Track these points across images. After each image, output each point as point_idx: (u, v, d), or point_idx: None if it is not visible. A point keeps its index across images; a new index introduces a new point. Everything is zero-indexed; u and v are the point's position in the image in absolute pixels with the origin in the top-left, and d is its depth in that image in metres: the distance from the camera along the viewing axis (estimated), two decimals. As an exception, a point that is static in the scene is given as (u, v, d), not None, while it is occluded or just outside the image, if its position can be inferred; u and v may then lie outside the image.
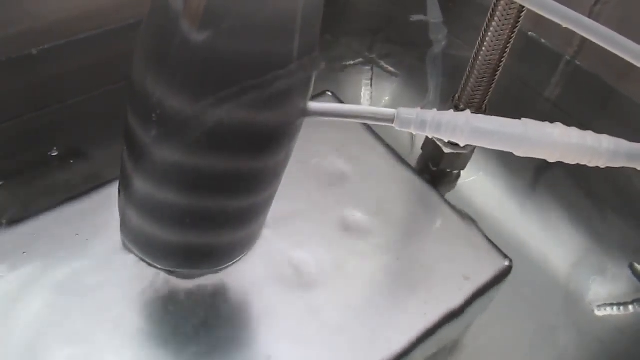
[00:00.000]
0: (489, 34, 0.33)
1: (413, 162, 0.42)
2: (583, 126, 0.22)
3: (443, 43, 0.50)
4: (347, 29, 0.54)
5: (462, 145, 0.22)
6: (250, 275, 0.28)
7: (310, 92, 0.22)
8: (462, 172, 0.43)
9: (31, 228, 0.29)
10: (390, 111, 0.22)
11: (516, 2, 0.25)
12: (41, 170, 0.36)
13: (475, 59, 0.35)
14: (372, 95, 0.48)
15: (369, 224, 0.32)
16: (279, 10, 0.19)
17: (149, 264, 0.28)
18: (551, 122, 0.22)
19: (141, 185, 0.24)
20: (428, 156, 0.41)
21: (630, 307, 0.37)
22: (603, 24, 0.20)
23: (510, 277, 0.31)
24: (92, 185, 0.31)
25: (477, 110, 0.37)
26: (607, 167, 0.22)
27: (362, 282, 0.29)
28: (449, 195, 0.42)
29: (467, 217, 0.34)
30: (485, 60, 0.34)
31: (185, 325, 0.26)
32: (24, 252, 0.28)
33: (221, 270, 0.28)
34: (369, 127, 0.37)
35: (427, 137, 0.42)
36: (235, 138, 0.21)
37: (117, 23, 0.43)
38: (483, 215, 0.41)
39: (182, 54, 0.20)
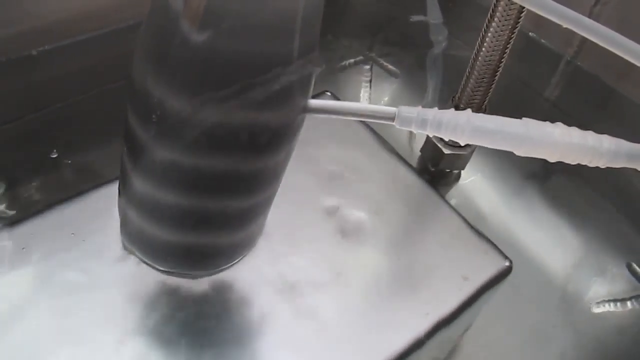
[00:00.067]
0: (489, 34, 0.33)
1: (413, 162, 0.42)
2: (583, 126, 0.22)
3: (443, 44, 0.50)
4: (347, 29, 0.54)
5: (462, 144, 0.22)
6: (250, 275, 0.28)
7: (310, 92, 0.22)
8: (461, 172, 0.43)
9: (31, 228, 0.29)
10: (391, 109, 0.22)
11: (516, 3, 0.25)
12: (41, 171, 0.36)
13: (476, 59, 0.35)
14: (371, 96, 0.48)
15: (368, 224, 0.32)
16: (279, 10, 0.19)
17: (149, 265, 0.28)
18: (551, 122, 0.22)
19: (141, 185, 0.24)
20: (428, 156, 0.41)
21: (629, 303, 0.37)
22: (603, 24, 0.20)
23: (510, 278, 0.31)
24: (91, 185, 0.31)
25: (477, 110, 0.37)
26: (607, 168, 0.22)
27: (362, 282, 0.29)
28: (448, 196, 0.42)
29: (467, 218, 0.34)
30: (485, 61, 0.34)
31: (185, 326, 0.26)
32: (24, 252, 0.28)
33: (221, 271, 0.28)
34: (369, 127, 0.37)
35: (426, 138, 0.42)
36: (235, 138, 0.21)
37: (117, 24, 0.43)
38: (483, 215, 0.41)
39: (182, 54, 0.20)
